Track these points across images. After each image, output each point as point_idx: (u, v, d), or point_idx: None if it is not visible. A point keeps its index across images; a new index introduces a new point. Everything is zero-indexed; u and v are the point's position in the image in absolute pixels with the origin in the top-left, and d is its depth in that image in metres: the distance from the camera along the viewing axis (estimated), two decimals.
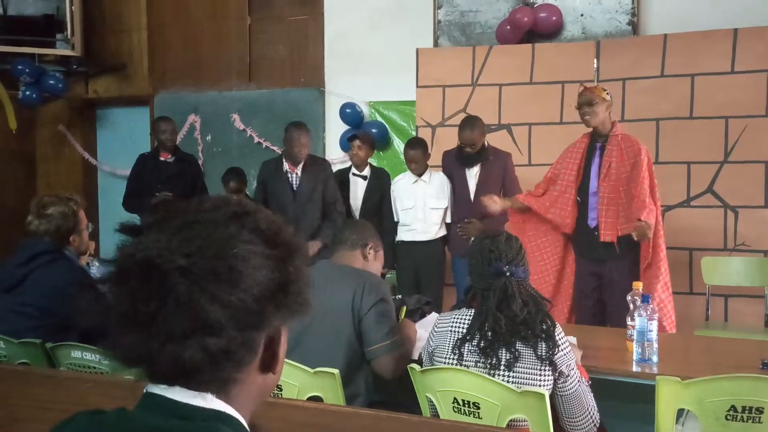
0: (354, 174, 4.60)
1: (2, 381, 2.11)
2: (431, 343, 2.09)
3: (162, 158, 4.78)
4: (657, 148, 4.34)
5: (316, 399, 2.11)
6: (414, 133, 5.15)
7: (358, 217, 4.45)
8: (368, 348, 2.28)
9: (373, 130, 5.43)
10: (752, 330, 3.99)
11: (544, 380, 1.91)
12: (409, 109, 5.43)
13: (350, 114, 5.65)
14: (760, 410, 1.86)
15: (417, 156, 4.18)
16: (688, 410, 2.00)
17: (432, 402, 2.03)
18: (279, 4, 6.04)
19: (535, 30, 4.97)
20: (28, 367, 2.34)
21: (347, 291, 2.29)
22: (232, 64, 6.18)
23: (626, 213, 3.33)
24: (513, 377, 1.91)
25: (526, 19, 4.86)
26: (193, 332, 0.74)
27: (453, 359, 1.98)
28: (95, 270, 2.85)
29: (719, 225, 4.32)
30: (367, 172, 4.62)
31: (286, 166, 4.31)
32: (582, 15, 5.00)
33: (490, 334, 1.94)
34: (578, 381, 1.98)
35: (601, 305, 3.46)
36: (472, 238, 3.85)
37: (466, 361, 1.96)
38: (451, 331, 2.03)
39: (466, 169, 4.15)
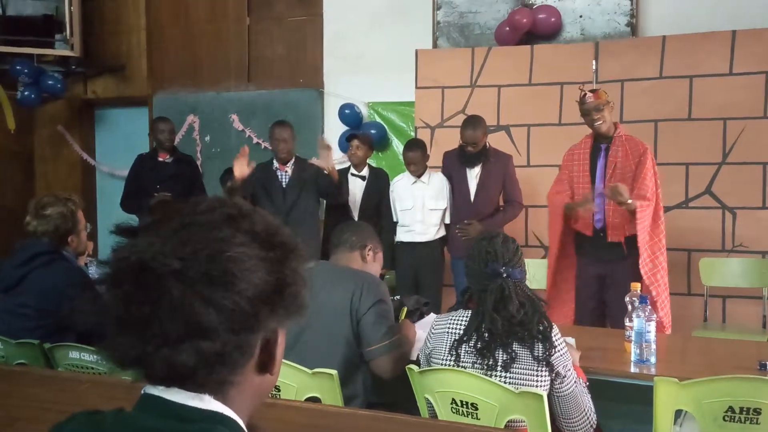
0: (353, 174, 4.60)
1: (0, 381, 2.10)
2: (428, 345, 2.09)
3: (160, 159, 4.76)
4: (655, 149, 4.33)
5: (314, 400, 2.11)
6: (413, 133, 5.15)
7: (356, 217, 4.45)
8: (367, 348, 2.28)
9: (372, 131, 5.43)
10: (750, 331, 3.99)
11: (541, 381, 1.92)
12: (408, 109, 5.43)
13: (349, 115, 5.65)
14: (757, 411, 1.86)
15: (416, 157, 4.18)
16: (686, 411, 2.00)
17: (430, 403, 2.04)
18: (278, 4, 6.05)
19: (534, 31, 4.97)
20: (26, 367, 2.34)
21: (346, 292, 2.29)
22: (230, 64, 6.18)
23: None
24: (510, 378, 1.91)
25: (525, 20, 4.86)
26: (188, 336, 0.74)
27: (450, 360, 1.98)
28: (93, 270, 2.85)
29: (717, 226, 4.33)
30: (365, 172, 4.62)
31: (276, 164, 4.37)
32: (581, 16, 5.01)
33: (486, 335, 1.94)
34: (575, 382, 1.98)
35: (603, 306, 3.46)
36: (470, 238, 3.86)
37: (463, 362, 1.96)
38: (448, 332, 2.03)
39: (467, 170, 4.14)
